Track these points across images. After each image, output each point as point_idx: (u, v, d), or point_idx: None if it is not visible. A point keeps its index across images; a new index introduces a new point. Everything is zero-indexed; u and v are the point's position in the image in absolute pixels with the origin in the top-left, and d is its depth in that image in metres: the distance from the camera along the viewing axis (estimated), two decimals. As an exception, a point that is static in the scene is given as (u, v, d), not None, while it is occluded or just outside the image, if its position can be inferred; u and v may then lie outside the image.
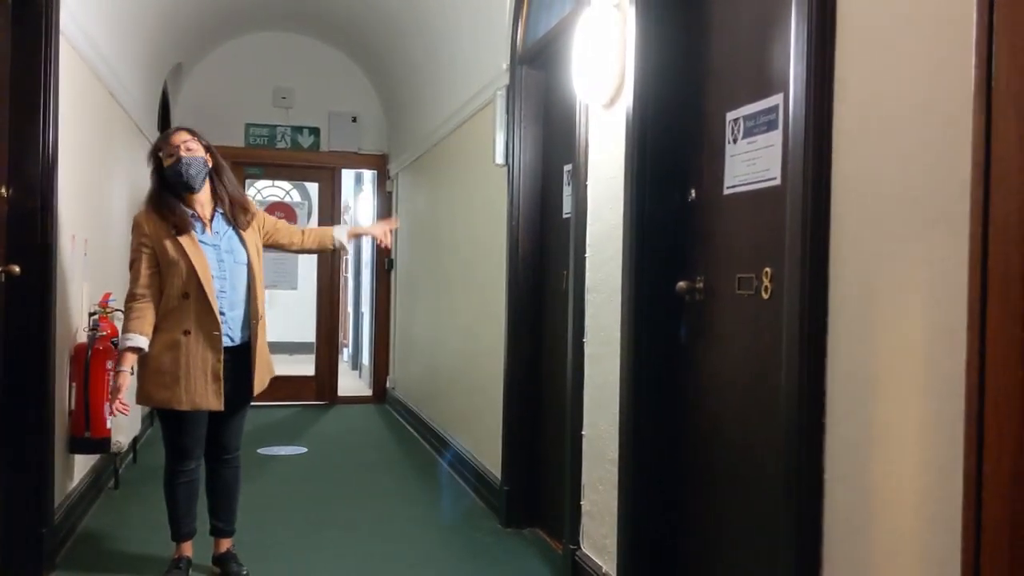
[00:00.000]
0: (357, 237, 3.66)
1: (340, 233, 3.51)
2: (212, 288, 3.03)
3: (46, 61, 3.21)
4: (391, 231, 3.64)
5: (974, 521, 1.18)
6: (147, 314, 3.02)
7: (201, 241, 3.07)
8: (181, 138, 3.08)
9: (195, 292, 3.01)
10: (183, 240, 3.02)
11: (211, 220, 3.13)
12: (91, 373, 3.76)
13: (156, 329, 3.04)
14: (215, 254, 3.09)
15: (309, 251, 3.51)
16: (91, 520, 4.02)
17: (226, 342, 3.08)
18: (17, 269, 3.11)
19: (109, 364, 3.88)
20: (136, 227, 3.08)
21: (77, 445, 3.81)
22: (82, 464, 4.06)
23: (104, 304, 4.09)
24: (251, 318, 3.16)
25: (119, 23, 4.61)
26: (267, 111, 7.57)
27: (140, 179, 5.93)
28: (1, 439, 3.13)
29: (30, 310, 3.19)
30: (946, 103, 1.47)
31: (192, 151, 3.06)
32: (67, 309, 3.67)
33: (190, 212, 3.09)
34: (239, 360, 3.14)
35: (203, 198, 3.13)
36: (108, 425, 3.86)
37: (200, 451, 3.22)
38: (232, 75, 7.42)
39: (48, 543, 3.28)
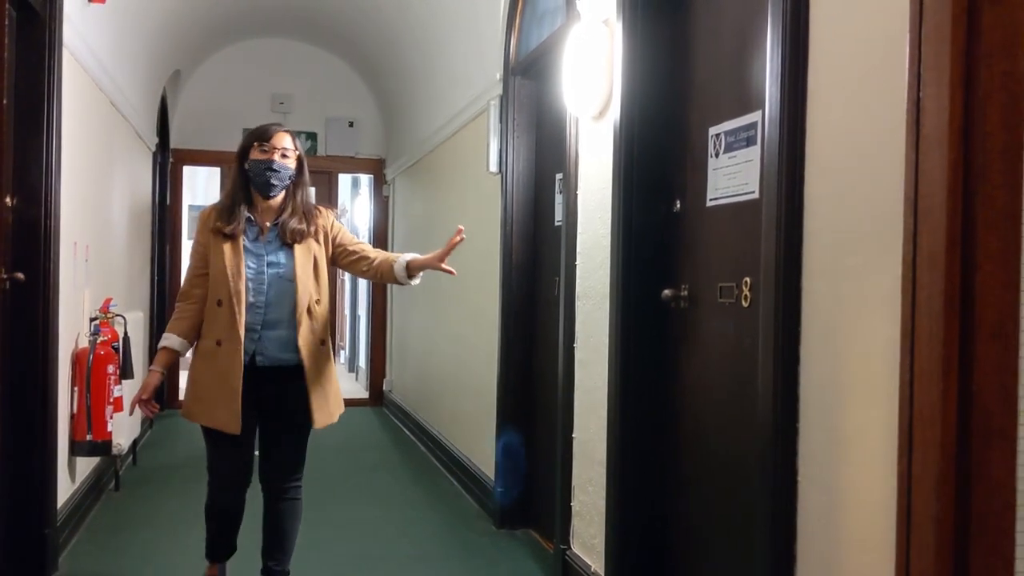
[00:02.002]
0: (420, 270, 2.94)
1: (400, 268, 2.93)
2: (242, 298, 2.78)
3: (50, 73, 3.29)
4: (455, 244, 2.85)
5: (905, 517, 1.27)
6: (189, 315, 2.85)
7: (246, 248, 2.84)
8: (283, 142, 2.86)
9: (227, 300, 2.78)
10: (225, 245, 2.81)
11: (268, 229, 2.89)
12: (92, 377, 3.84)
13: (200, 335, 2.85)
14: (257, 263, 2.83)
15: (372, 279, 2.98)
16: (92, 521, 4.10)
17: (261, 361, 2.81)
18: (22, 276, 3.18)
19: (110, 368, 3.97)
20: (200, 221, 2.91)
21: (79, 448, 3.88)
22: (83, 466, 4.13)
23: (105, 309, 4.17)
24: (299, 340, 2.84)
25: (119, 33, 4.69)
26: (265, 116, 7.57)
27: (140, 185, 6.02)
28: (4, 442, 3.20)
29: (34, 315, 3.26)
30: (904, 132, 1.55)
31: (287, 159, 2.86)
32: (69, 314, 3.74)
33: (247, 216, 2.87)
34: (287, 384, 2.85)
35: (272, 205, 2.89)
36: (109, 428, 3.94)
37: (242, 480, 2.89)
38: (230, 81, 7.49)
39: (51, 544, 3.35)
